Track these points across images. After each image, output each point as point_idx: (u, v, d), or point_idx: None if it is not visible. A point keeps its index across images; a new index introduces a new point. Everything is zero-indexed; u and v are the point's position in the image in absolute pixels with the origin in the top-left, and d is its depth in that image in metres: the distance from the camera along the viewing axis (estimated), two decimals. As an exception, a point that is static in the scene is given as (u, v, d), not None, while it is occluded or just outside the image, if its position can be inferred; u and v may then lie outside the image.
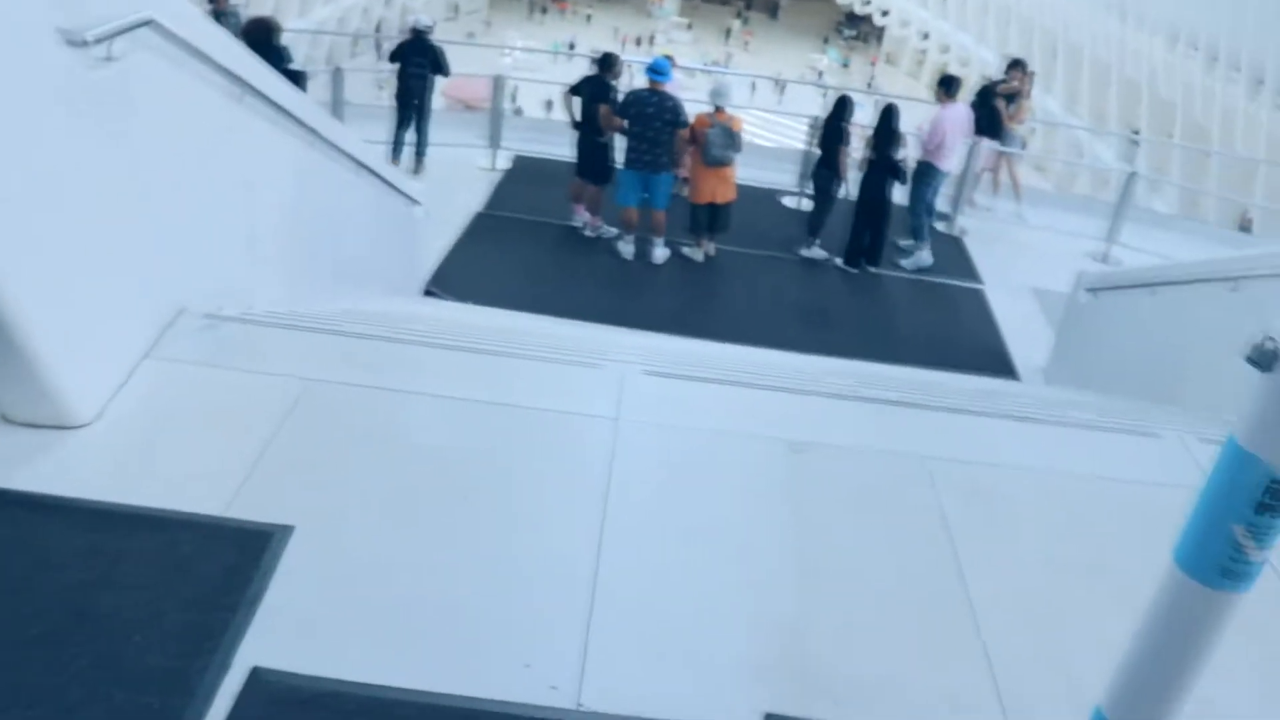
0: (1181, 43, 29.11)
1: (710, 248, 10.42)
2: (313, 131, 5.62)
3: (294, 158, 5.49)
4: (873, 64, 59.68)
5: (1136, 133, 32.87)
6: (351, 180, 6.73)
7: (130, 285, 3.73)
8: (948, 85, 10.96)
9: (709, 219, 10.25)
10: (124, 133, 3.53)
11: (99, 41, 3.16)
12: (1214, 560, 1.81)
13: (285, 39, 10.42)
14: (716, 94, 9.84)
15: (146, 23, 3.44)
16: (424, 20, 11.86)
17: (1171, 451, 3.99)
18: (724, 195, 10.11)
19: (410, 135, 11.66)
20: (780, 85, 43.76)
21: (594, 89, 10.16)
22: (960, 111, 10.96)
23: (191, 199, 4.15)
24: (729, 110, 9.86)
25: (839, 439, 3.83)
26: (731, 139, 9.76)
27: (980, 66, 44.84)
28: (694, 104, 10.23)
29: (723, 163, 9.84)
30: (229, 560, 2.94)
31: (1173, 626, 1.91)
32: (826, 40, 65.11)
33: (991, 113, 12.07)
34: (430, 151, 11.82)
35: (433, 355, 4.26)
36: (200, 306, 4.14)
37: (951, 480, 3.58)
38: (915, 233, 10.91)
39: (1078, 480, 3.75)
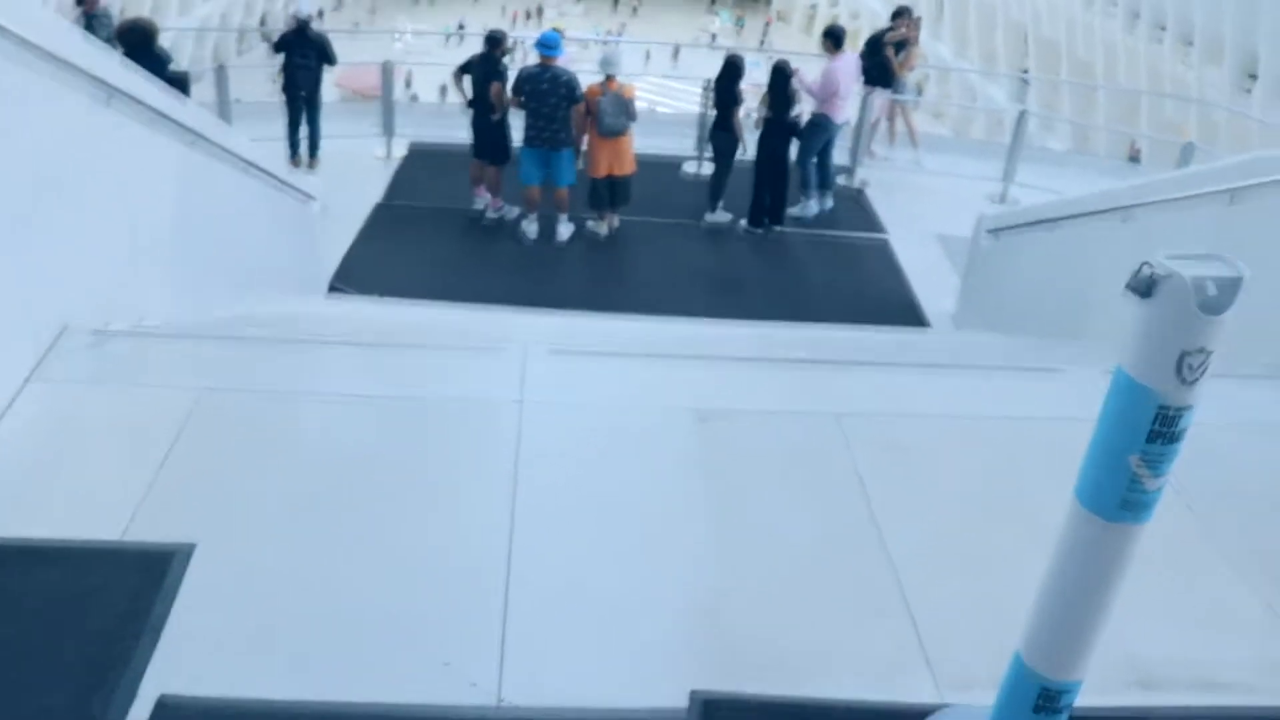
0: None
1: (614, 220, 10.35)
2: (193, 133, 5.43)
3: (174, 161, 5.30)
4: (768, 24, 59.72)
5: (1025, 72, 33.45)
6: (240, 180, 6.54)
7: (2, 307, 3.57)
8: (835, 37, 10.96)
9: (609, 192, 10.18)
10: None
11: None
12: (1113, 493, 1.81)
13: (167, 39, 10.09)
14: (606, 63, 9.73)
15: (-19, 23, 3.27)
16: (305, 9, 11.56)
17: (1075, 386, 4.02)
18: (620, 168, 10.01)
19: (304, 129, 11.38)
20: (675, 51, 43.69)
21: (484, 68, 9.99)
22: (849, 61, 10.98)
23: (62, 211, 3.97)
24: (620, 79, 9.77)
25: (749, 404, 3.81)
26: (624, 107, 9.68)
27: (870, 18, 45.16)
28: (589, 75, 10.12)
29: (616, 132, 9.74)
30: (130, 586, 2.83)
31: (1079, 563, 1.92)
32: (714, 1, 64.92)
33: (882, 62, 12.13)
34: (324, 144, 11.52)
35: (330, 354, 4.15)
36: (85, 322, 3.98)
37: (865, 435, 3.58)
38: (804, 184, 10.94)
39: (988, 423, 3.79)
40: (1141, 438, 1.74)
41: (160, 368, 3.87)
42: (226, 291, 6.28)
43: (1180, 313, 1.64)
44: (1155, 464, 1.76)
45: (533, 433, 3.47)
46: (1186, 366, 1.67)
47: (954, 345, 6.53)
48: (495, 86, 9.85)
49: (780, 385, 4.08)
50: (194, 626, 2.67)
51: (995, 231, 8.24)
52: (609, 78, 9.65)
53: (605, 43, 31.26)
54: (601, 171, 9.99)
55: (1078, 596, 1.93)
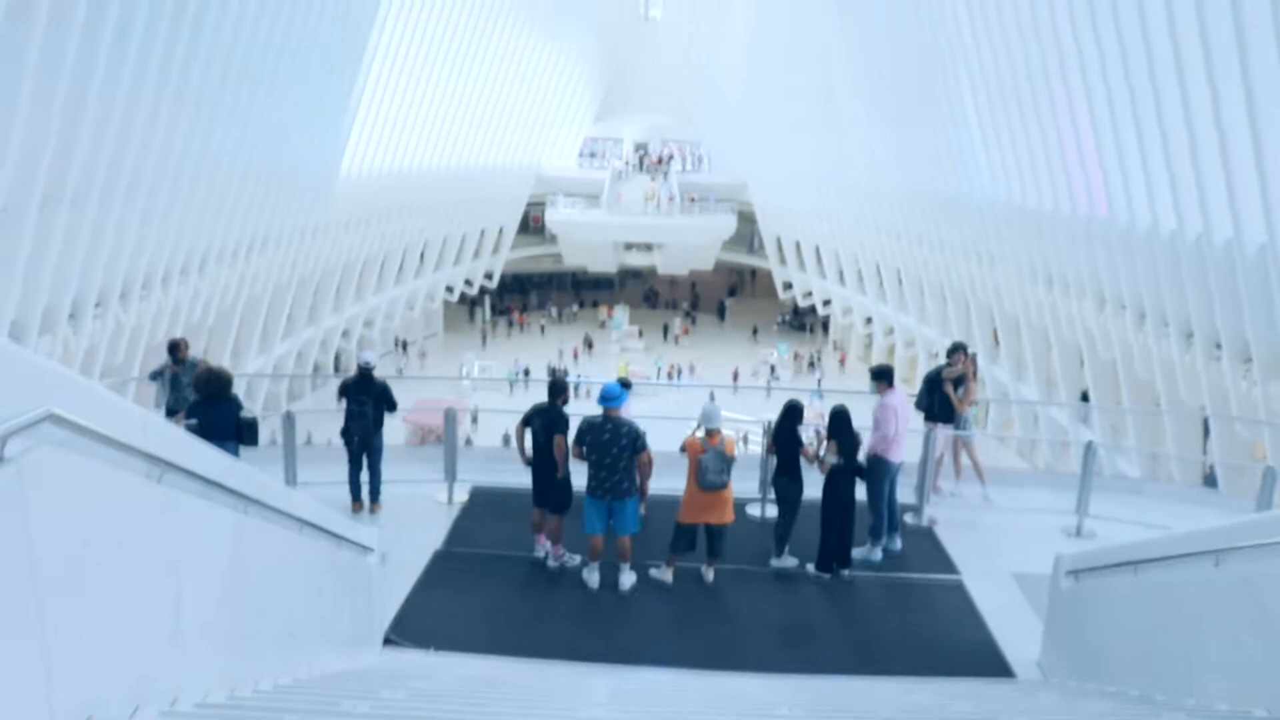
0: (1109, 303, 30.13)
1: (709, 574, 10.08)
2: (247, 499, 5.40)
3: (226, 529, 5.23)
4: (842, 362, 60.39)
5: (1085, 396, 33.61)
6: (294, 541, 6.46)
7: (23, 704, 3.36)
8: (885, 376, 10.90)
9: (697, 540, 9.95)
10: (18, 539, 3.26)
11: (-10, 445, 2.96)
12: None
13: (245, 382, 10.45)
14: (708, 418, 9.72)
15: (45, 418, 3.26)
16: (365, 356, 11.88)
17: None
18: (719, 517, 9.83)
19: (365, 474, 11.49)
20: (735, 389, 45.08)
21: (546, 418, 10.07)
22: (902, 398, 10.91)
23: (102, 593, 3.84)
24: (722, 433, 9.73)
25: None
26: (726, 464, 9.61)
27: (926, 345, 46.24)
28: (647, 419, 10.16)
29: (719, 487, 9.67)
30: None
31: None
32: (756, 331, 66.89)
33: (943, 399, 12.18)
34: (388, 488, 11.62)
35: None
36: (114, 710, 3.76)
37: None
38: (874, 531, 10.66)
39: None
40: None
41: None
42: (275, 654, 6.06)
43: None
44: None
45: None
46: None
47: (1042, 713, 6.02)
48: (559, 441, 9.88)
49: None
50: None
51: (1075, 573, 7.86)
52: (711, 432, 9.64)
53: (677, 386, 31.97)
54: (690, 519, 9.84)
55: None
